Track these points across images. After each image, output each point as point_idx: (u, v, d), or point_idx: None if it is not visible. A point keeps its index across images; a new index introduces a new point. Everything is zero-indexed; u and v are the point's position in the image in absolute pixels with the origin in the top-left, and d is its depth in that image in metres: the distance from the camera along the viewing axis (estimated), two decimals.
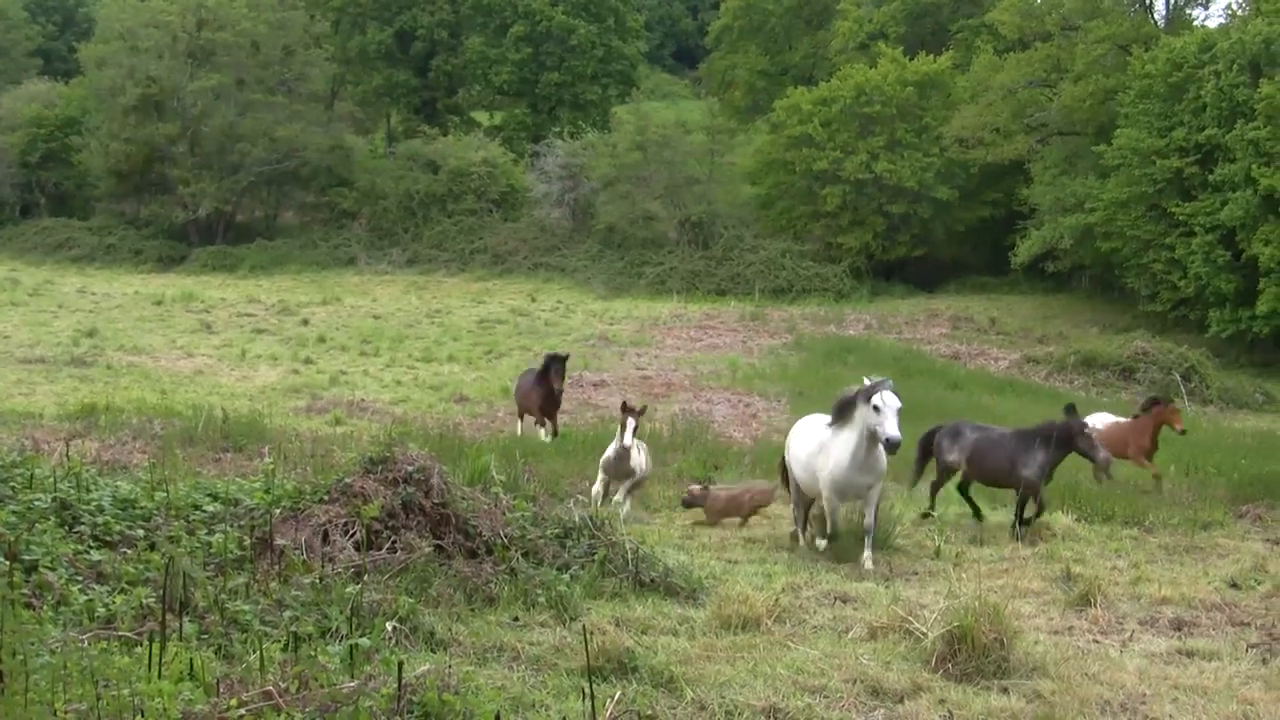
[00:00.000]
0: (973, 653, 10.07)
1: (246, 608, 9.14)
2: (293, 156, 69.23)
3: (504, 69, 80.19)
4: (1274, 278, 48.36)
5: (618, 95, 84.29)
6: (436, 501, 11.80)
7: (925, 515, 18.82)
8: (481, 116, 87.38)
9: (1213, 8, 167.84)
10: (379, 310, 51.52)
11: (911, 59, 67.68)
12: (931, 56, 68.11)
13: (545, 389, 26.45)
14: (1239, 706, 9.88)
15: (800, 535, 17.04)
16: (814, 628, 11.48)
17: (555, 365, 26.42)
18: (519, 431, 27.68)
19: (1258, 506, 20.99)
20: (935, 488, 19.50)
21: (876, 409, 15.43)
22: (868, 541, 15.64)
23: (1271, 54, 51.96)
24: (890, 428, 15.34)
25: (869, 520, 15.73)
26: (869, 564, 15.27)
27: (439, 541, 11.55)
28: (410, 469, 11.92)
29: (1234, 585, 15.20)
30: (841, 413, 16.02)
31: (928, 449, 19.67)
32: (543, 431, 26.79)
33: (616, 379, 38.89)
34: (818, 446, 16.31)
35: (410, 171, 70.46)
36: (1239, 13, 61.28)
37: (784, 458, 17.82)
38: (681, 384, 38.73)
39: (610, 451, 18.18)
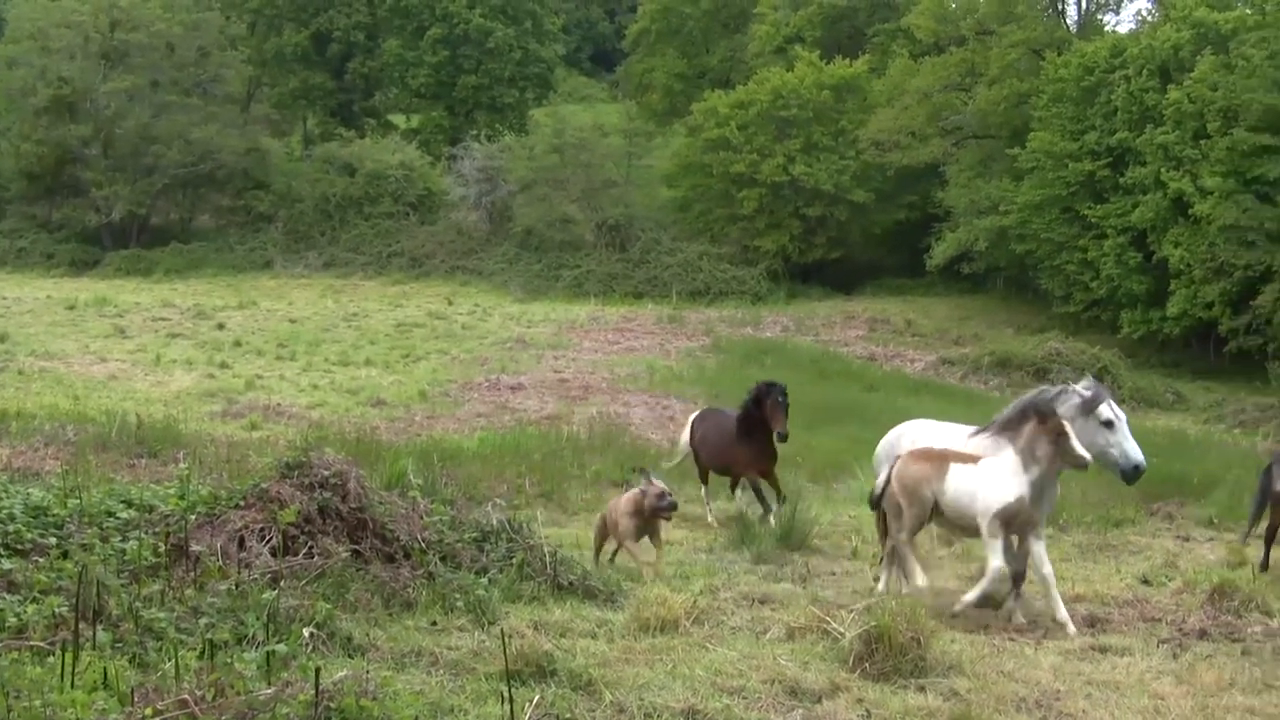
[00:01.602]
0: (890, 652, 10.12)
1: (161, 615, 9.03)
2: (208, 159, 68.54)
3: (421, 72, 79.81)
4: (1184, 279, 49.04)
5: (535, 98, 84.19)
6: (354, 506, 11.71)
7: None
8: (398, 119, 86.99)
9: (1124, 14, 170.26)
10: (295, 314, 51.18)
11: (828, 63, 67.99)
12: (848, 61, 68.42)
13: (759, 435, 19.07)
14: (1150, 701, 10.03)
15: (892, 577, 13.94)
16: (732, 629, 11.50)
17: (775, 397, 18.99)
18: (707, 504, 20.02)
19: (1169, 504, 21.32)
20: (1273, 534, 16.30)
21: (1109, 425, 13.35)
22: (1053, 594, 12.79)
23: (1180, 60, 52.76)
24: (1133, 450, 13.31)
25: (1048, 569, 12.80)
26: (1070, 626, 12.47)
27: (356, 546, 11.46)
28: (327, 473, 11.82)
29: (1145, 582, 15.40)
30: (1016, 423, 13.21)
31: (1268, 486, 16.58)
32: (740, 495, 20.17)
33: (534, 382, 38.84)
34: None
35: (327, 174, 70.06)
36: (1149, 19, 62.17)
37: (884, 487, 13.84)
38: (599, 386, 38.73)
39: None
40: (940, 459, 13.12)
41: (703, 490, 20.27)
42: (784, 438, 18.74)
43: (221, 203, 73.39)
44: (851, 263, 66.04)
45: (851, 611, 11.02)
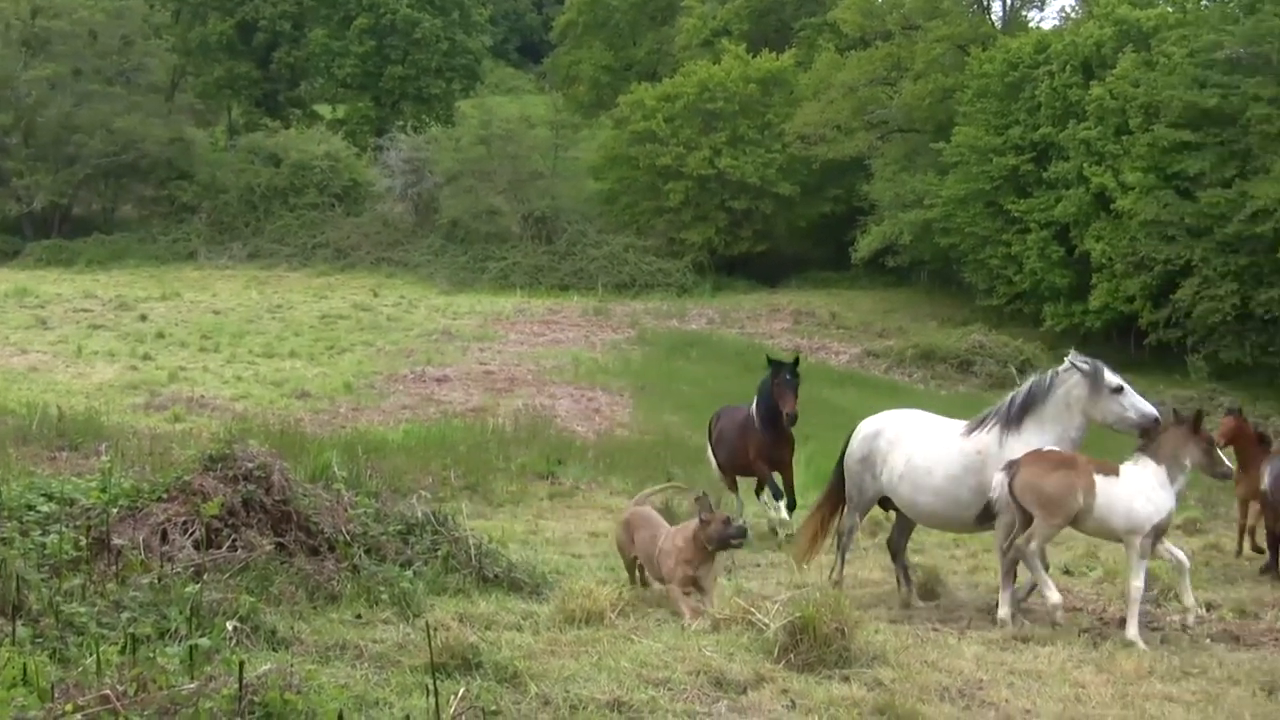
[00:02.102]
0: (814, 643, 10.15)
1: (83, 610, 8.93)
2: (131, 149, 67.66)
3: (347, 62, 79.28)
4: (1105, 273, 49.59)
5: (462, 89, 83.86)
6: (278, 499, 11.62)
7: None
8: (324, 110, 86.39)
9: (1048, 10, 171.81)
10: (219, 305, 50.81)
11: (755, 56, 68.14)
12: (774, 54, 68.66)
13: (771, 423, 18.14)
14: (1071, 689, 10.16)
15: (910, 592, 13.89)
16: (658, 621, 11.52)
17: (782, 376, 18.00)
18: (738, 507, 18.63)
19: None
20: (1275, 538, 16.44)
21: (1119, 390, 13.19)
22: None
23: (1102, 56, 53.36)
24: (1146, 405, 13.20)
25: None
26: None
27: (280, 539, 11.38)
28: (251, 466, 11.72)
29: (1067, 572, 15.59)
30: (1030, 408, 13.40)
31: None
32: (766, 500, 18.77)
33: (460, 374, 38.77)
34: (968, 457, 13.38)
35: (252, 165, 69.43)
36: (1072, 16, 62.74)
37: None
38: (524, 379, 38.70)
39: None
40: (1084, 468, 12.54)
41: (734, 500, 19.13)
42: (792, 419, 17.84)
43: (145, 193, 72.57)
44: (777, 255, 66.19)
45: (776, 603, 11.06)
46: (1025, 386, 13.64)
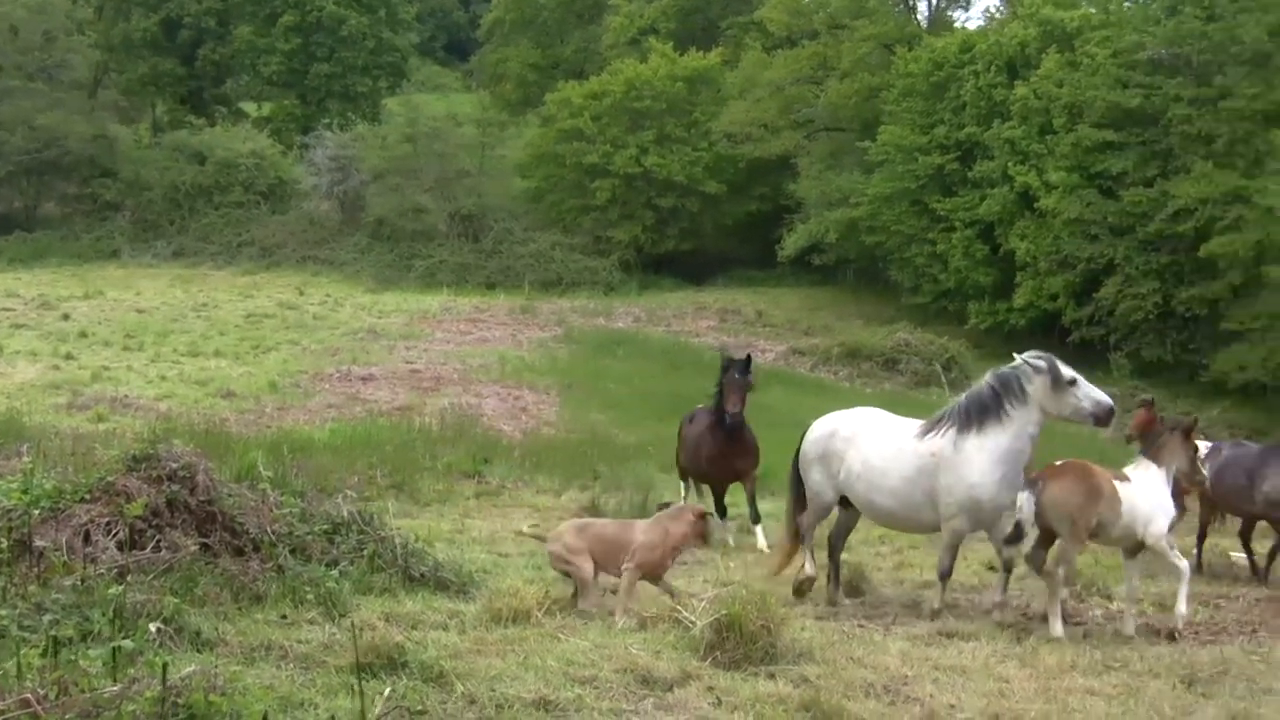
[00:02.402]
0: (741, 640, 10.22)
1: (4, 613, 8.85)
2: (54, 146, 66.78)
3: (273, 59, 78.70)
4: (1029, 271, 50.07)
5: (389, 87, 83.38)
6: (202, 499, 11.54)
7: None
8: (250, 107, 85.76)
9: (973, 10, 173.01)
10: (143, 304, 50.32)
11: (682, 55, 68.20)
12: (702, 53, 68.69)
13: (724, 430, 17.52)
14: (995, 684, 10.28)
15: (836, 590, 14.11)
16: (584, 620, 11.55)
17: (731, 373, 17.57)
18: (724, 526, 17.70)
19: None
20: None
21: (1073, 383, 13.21)
22: (1002, 580, 13.48)
23: (1026, 56, 53.86)
24: (1100, 394, 13.29)
25: (1010, 552, 13.27)
26: (997, 614, 13.10)
27: (205, 540, 11.31)
28: (175, 466, 11.62)
29: (991, 568, 15.70)
30: (988, 409, 13.27)
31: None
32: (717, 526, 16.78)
33: (386, 373, 38.60)
34: (921, 459, 13.41)
35: (176, 162, 68.70)
36: (997, 16, 63.17)
37: (801, 475, 14.43)
38: (451, 377, 38.57)
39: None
40: (1105, 480, 12.70)
41: (683, 488, 18.90)
42: (732, 419, 16.99)
43: (67, 190, 71.68)
44: (703, 254, 66.29)
45: (702, 600, 11.11)
46: (982, 388, 13.44)
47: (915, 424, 13.81)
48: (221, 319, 47.39)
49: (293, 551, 11.71)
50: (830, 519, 14.53)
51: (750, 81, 65.77)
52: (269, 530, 11.76)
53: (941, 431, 13.30)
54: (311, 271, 61.84)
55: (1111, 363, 47.04)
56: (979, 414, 13.16)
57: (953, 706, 9.63)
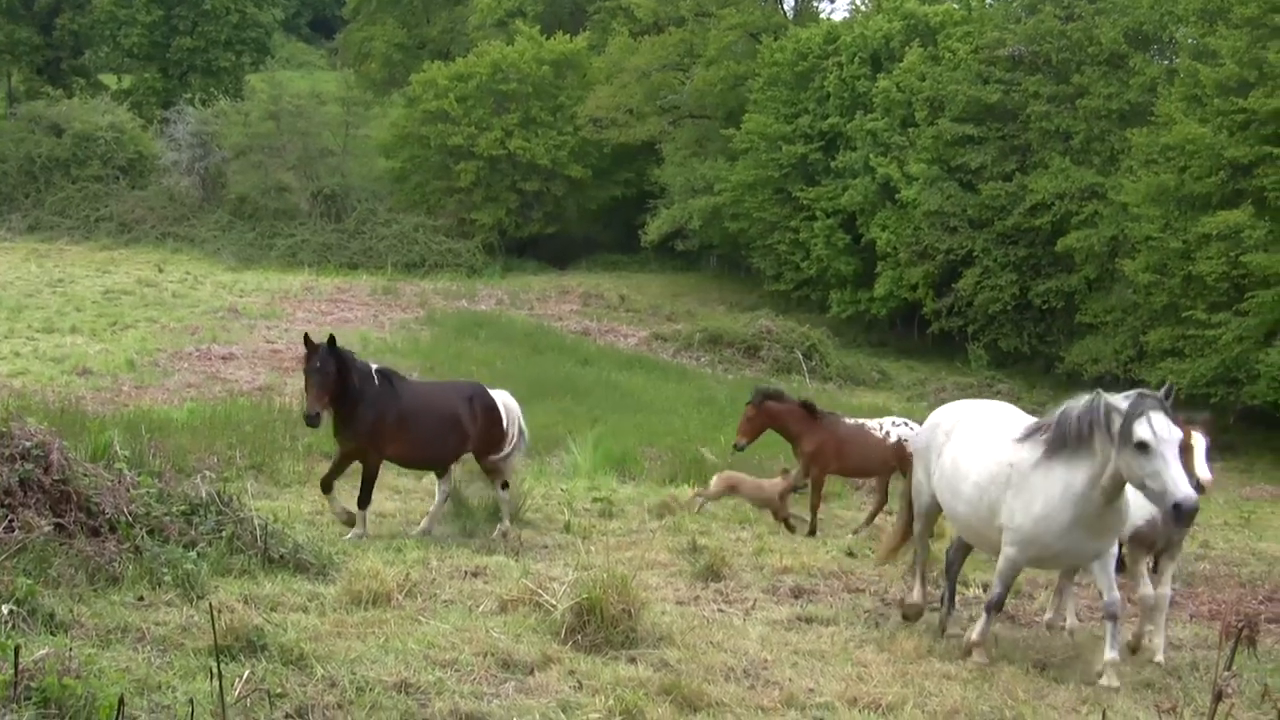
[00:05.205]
0: (601, 624, 10.27)
1: None
2: None
3: (134, 31, 77.28)
4: (890, 261, 50.68)
5: (252, 63, 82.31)
6: (57, 478, 11.32)
7: None
8: (109, 79, 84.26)
9: (838, 2, 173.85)
10: None
11: (548, 38, 68.23)
12: (568, 36, 68.79)
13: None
14: (854, 668, 10.44)
15: (949, 614, 12.64)
16: (445, 602, 11.52)
17: (311, 364, 15.91)
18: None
19: (873, 479, 21.88)
20: None
21: (1143, 447, 10.18)
22: (1111, 641, 10.97)
23: (890, 50, 54.49)
24: (1177, 482, 10.05)
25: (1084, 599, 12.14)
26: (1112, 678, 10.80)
27: (59, 520, 11.09)
28: (28, 444, 11.40)
29: (850, 554, 15.92)
30: (1066, 440, 10.76)
31: None
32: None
33: (246, 352, 38.10)
34: (999, 466, 11.33)
35: (32, 134, 67.34)
36: (862, 9, 63.71)
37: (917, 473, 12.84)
38: None
39: None
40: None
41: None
42: (310, 420, 15.68)
43: None
44: (567, 238, 66.44)
45: (563, 584, 11.13)
46: (1094, 405, 10.83)
47: (1023, 423, 11.71)
48: (78, 295, 46.47)
49: (150, 532, 11.53)
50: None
51: (616, 67, 65.89)
52: (125, 511, 11.57)
53: (1034, 441, 11.20)
54: (171, 248, 60.92)
55: (969, 353, 47.85)
56: (1076, 435, 10.81)
57: (811, 690, 9.75)
